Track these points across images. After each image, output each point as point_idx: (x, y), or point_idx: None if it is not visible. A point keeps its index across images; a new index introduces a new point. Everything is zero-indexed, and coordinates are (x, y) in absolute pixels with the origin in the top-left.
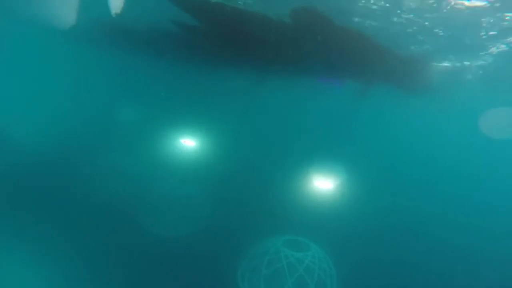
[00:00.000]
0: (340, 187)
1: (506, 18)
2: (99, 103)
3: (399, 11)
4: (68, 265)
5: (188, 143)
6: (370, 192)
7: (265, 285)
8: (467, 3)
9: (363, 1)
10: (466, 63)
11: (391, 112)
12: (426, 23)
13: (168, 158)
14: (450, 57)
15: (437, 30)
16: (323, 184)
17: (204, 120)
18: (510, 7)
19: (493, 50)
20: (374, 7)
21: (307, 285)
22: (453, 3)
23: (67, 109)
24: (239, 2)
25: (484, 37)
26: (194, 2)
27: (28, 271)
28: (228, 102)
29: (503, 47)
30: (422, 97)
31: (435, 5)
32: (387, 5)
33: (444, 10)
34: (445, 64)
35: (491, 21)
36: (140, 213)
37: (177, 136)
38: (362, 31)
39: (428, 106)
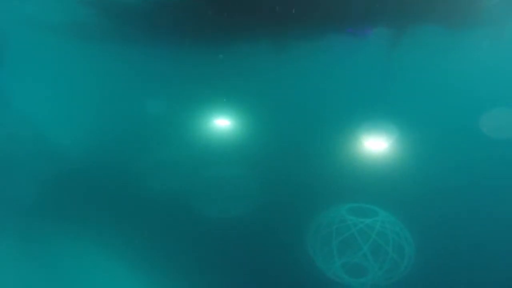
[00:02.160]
0: (395, 145)
1: None
2: (121, 98)
3: None
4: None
5: (223, 124)
6: (427, 148)
7: (339, 255)
8: None
9: None
10: None
11: (438, 56)
12: None
13: (208, 142)
14: None
15: None
16: (375, 144)
17: (233, 98)
18: None
19: None
20: None
21: (383, 250)
22: None
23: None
24: None
25: None
26: None
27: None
28: (251, 76)
29: None
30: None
31: None
32: None
33: None
34: None
35: None
36: (200, 200)
37: (209, 120)
38: None
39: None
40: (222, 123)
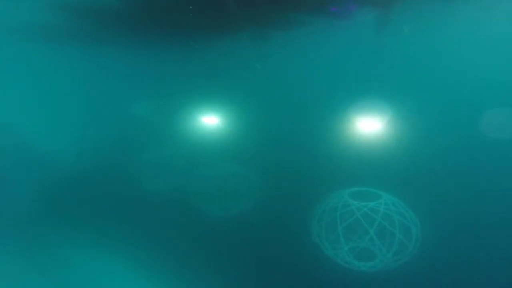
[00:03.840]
0: (389, 127)
1: None
2: (105, 100)
3: None
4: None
5: (210, 121)
6: (423, 128)
7: (346, 240)
8: None
9: None
10: None
11: (429, 33)
12: None
13: (203, 141)
14: None
15: None
16: (370, 127)
17: (217, 92)
18: None
19: None
20: None
21: (389, 232)
22: None
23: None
24: None
25: None
26: None
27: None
28: (237, 69)
29: None
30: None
31: None
32: None
33: None
34: None
35: None
36: (199, 199)
37: (196, 117)
38: None
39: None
40: (209, 120)
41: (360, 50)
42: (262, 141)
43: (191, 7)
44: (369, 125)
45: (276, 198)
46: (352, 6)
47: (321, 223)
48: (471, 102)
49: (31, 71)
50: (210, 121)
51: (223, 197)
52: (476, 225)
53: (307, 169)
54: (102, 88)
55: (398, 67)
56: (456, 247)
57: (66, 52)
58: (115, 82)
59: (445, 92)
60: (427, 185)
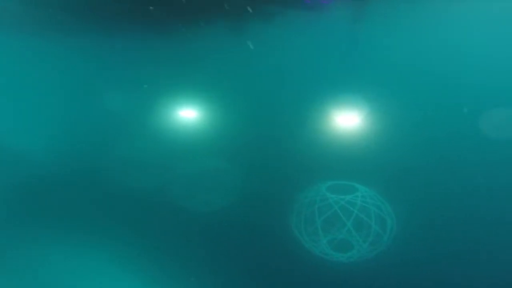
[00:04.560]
0: (368, 121)
1: None
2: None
3: None
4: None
5: (189, 115)
6: (399, 122)
7: (325, 233)
8: None
9: None
10: None
11: (406, 26)
12: None
13: (183, 135)
14: None
15: None
16: (349, 120)
17: (191, 85)
18: None
19: None
20: None
21: (366, 224)
22: None
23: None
24: None
25: None
26: None
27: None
28: (208, 60)
29: None
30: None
31: None
32: None
33: None
34: None
35: None
36: (181, 195)
37: (173, 111)
38: None
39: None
40: (186, 114)
41: (336, 43)
42: (241, 136)
43: (151, 7)
44: (347, 120)
45: (256, 192)
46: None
47: (300, 217)
48: (449, 98)
49: None
50: (189, 114)
51: (204, 192)
52: (448, 217)
53: (286, 163)
54: (74, 81)
55: (373, 61)
56: (427, 238)
57: (35, 45)
58: (88, 74)
59: (423, 86)
60: (403, 179)
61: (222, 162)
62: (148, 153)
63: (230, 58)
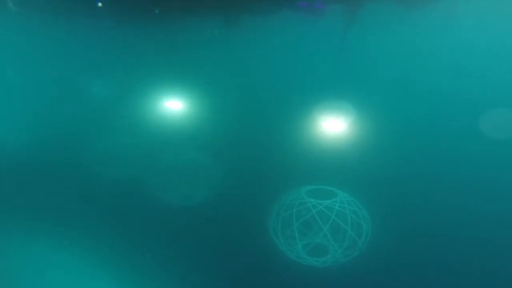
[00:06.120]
0: (351, 127)
1: None
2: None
3: None
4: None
5: (175, 106)
6: (382, 128)
7: (301, 236)
8: None
9: None
10: None
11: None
12: None
13: (162, 126)
14: None
15: None
16: (332, 125)
17: (182, 77)
18: None
19: None
20: None
21: (342, 229)
22: None
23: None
24: None
25: None
26: None
27: None
28: (201, 53)
29: None
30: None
31: None
32: None
33: None
34: None
35: None
36: (153, 189)
37: (159, 102)
38: None
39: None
40: (172, 105)
41: (327, 47)
42: (225, 134)
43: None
44: (330, 125)
45: (236, 192)
46: (321, 3)
47: (277, 219)
48: (436, 105)
49: None
50: (174, 107)
51: (183, 187)
52: (423, 224)
53: (266, 166)
54: (48, 69)
55: (363, 66)
56: (402, 243)
57: (11, 31)
58: (68, 64)
59: (412, 93)
60: (381, 185)
61: (204, 157)
62: (128, 146)
63: (219, 57)
